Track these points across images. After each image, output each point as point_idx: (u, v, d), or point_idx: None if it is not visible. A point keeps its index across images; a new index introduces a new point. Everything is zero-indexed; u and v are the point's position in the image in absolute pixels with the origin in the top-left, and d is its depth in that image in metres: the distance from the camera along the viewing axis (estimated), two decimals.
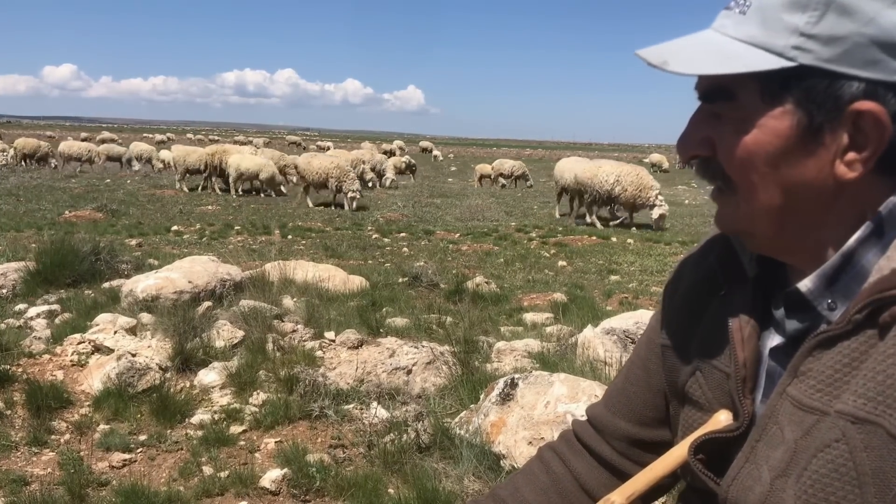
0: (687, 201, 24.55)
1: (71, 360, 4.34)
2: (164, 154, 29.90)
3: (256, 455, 3.41)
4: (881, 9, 0.68)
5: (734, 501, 0.77)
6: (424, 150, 63.78)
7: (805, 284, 0.75)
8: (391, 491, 2.97)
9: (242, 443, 3.52)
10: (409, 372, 4.16)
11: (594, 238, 13.60)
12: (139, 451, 3.43)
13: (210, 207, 17.40)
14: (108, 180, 23.49)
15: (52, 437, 3.52)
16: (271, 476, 3.08)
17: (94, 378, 4.02)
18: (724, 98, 0.74)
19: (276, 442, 3.49)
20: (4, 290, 5.86)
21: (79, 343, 4.50)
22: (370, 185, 23.74)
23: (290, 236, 12.78)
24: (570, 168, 18.40)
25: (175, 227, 13.24)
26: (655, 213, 15.80)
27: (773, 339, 0.82)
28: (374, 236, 13.13)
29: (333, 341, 4.58)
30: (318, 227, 14.25)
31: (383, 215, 16.97)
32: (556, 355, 4.29)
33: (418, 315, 5.69)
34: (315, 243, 12.02)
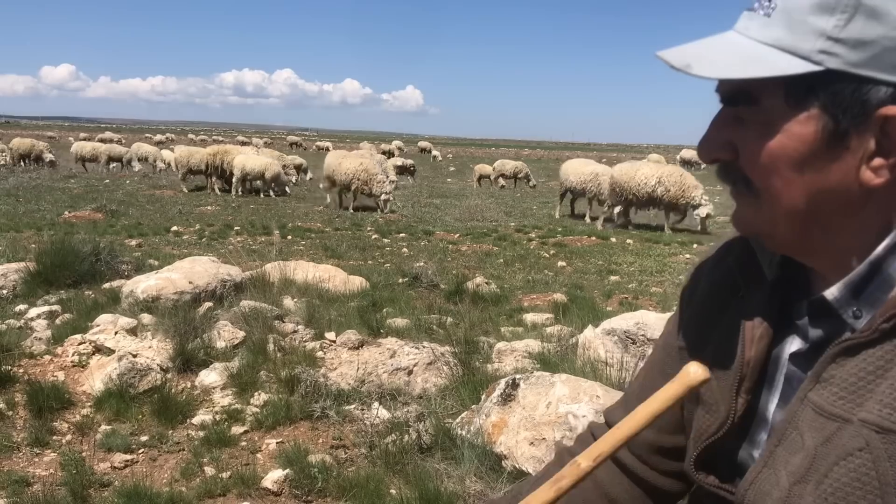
0: None
1: (72, 361, 4.34)
2: (166, 154, 29.87)
3: (258, 455, 3.42)
4: None
5: None
6: (423, 150, 63.78)
7: (832, 293, 0.74)
8: (393, 491, 2.97)
9: (244, 443, 3.53)
10: (410, 372, 4.16)
11: (593, 238, 13.60)
12: (141, 451, 3.43)
13: (209, 208, 17.39)
14: (108, 181, 23.48)
15: (54, 437, 3.53)
16: (273, 476, 3.09)
17: (96, 379, 4.03)
18: (747, 102, 0.73)
19: (277, 442, 3.50)
20: (5, 291, 5.86)
21: (79, 344, 4.51)
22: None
23: (289, 237, 12.78)
24: (577, 169, 18.12)
25: (174, 228, 13.23)
26: (702, 212, 15.45)
27: (794, 345, 0.81)
28: (373, 237, 13.14)
29: (334, 342, 4.59)
30: (317, 227, 14.25)
31: (383, 216, 16.97)
32: (557, 356, 4.29)
33: (419, 315, 5.69)
34: (315, 244, 12.02)
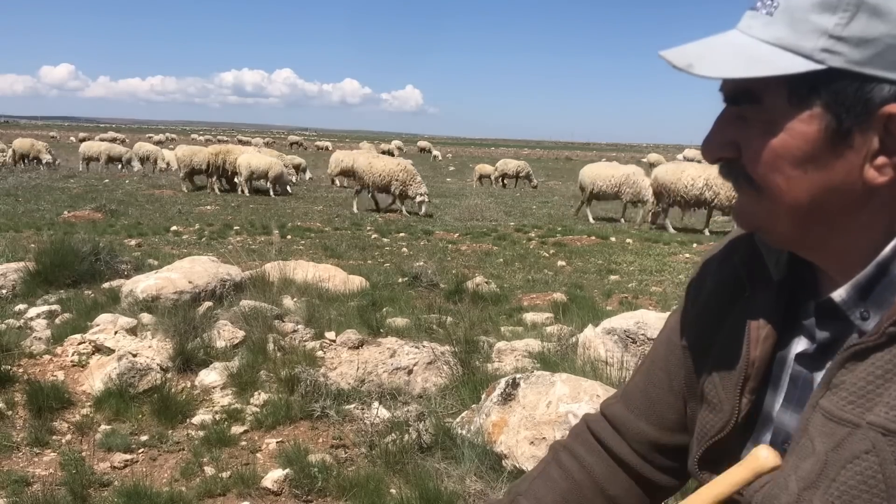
0: None
1: (71, 361, 4.34)
2: (166, 154, 29.83)
3: (258, 455, 3.41)
4: None
5: None
6: (423, 149, 63.77)
7: (839, 294, 0.74)
8: (393, 491, 2.97)
9: (244, 443, 3.52)
10: (410, 372, 4.16)
11: (593, 238, 13.60)
12: (141, 451, 3.43)
13: (209, 207, 17.38)
14: (107, 180, 23.47)
15: (54, 437, 3.52)
16: (273, 476, 3.08)
17: (95, 378, 4.02)
18: (750, 101, 0.73)
19: (277, 442, 3.49)
20: (4, 291, 5.85)
21: (79, 343, 4.50)
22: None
23: (289, 236, 12.77)
24: (603, 173, 17.55)
25: (174, 228, 13.22)
26: None
27: (800, 345, 0.81)
28: (373, 236, 13.13)
29: (334, 341, 4.59)
30: (317, 227, 14.25)
31: (382, 215, 16.96)
32: (557, 355, 4.29)
33: (418, 315, 5.69)
34: (314, 243, 12.02)
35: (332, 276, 7.08)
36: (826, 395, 0.73)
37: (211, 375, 4.14)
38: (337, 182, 24.45)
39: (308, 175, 27.57)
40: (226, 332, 4.63)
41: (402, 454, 3.19)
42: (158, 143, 45.71)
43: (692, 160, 48.73)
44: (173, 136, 73.88)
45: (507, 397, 3.26)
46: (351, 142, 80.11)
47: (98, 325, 4.76)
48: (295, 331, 4.75)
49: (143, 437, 3.54)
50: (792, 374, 0.80)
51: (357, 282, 7.23)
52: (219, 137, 59.20)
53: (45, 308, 5.28)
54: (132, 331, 4.69)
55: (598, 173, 17.88)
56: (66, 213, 14.57)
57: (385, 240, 12.80)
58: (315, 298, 5.91)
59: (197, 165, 21.15)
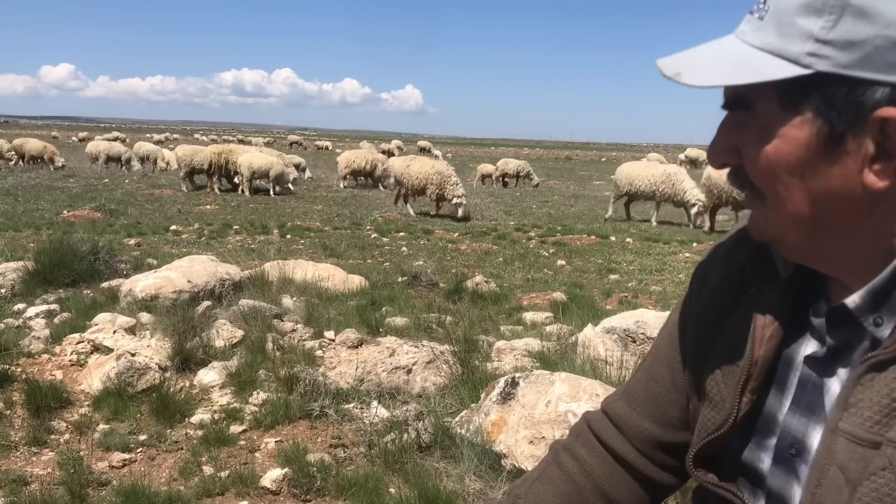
0: None
1: (70, 360, 4.33)
2: (167, 154, 29.82)
3: (257, 455, 3.41)
4: None
5: None
6: (423, 149, 63.78)
7: (853, 300, 0.72)
8: (392, 490, 2.96)
9: (242, 442, 3.52)
10: (410, 371, 4.15)
11: (593, 237, 13.59)
12: (139, 450, 3.42)
13: (208, 207, 17.37)
14: (107, 180, 23.46)
15: (52, 436, 3.51)
16: (272, 476, 3.08)
17: (94, 378, 4.02)
18: (744, 107, 0.72)
19: (276, 441, 3.49)
20: (3, 290, 5.84)
21: (78, 343, 4.49)
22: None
23: (288, 236, 12.77)
24: (643, 172, 16.82)
25: (173, 227, 13.22)
26: None
27: (809, 347, 0.79)
28: (372, 236, 13.12)
29: (333, 341, 4.58)
30: (316, 226, 14.24)
31: (382, 215, 16.95)
32: (557, 354, 4.28)
33: (418, 314, 5.68)
34: (314, 243, 12.01)
35: (332, 276, 7.07)
36: (845, 417, 0.70)
37: (210, 375, 4.13)
38: (342, 183, 24.40)
39: (308, 174, 27.55)
40: (225, 332, 4.62)
41: (401, 453, 3.18)
42: (158, 142, 45.71)
43: (694, 160, 48.62)
44: (176, 135, 73.84)
45: (507, 396, 3.25)
46: (351, 141, 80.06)
47: (97, 325, 4.75)
48: (294, 330, 4.74)
49: (142, 437, 3.53)
50: (801, 377, 0.79)
51: (356, 281, 7.22)
52: (224, 137, 59.31)
53: (44, 307, 5.27)
54: (131, 330, 4.69)
55: (636, 172, 17.07)
56: (65, 212, 14.57)
57: (384, 239, 12.80)
58: (314, 298, 5.90)
59: (198, 165, 21.13)
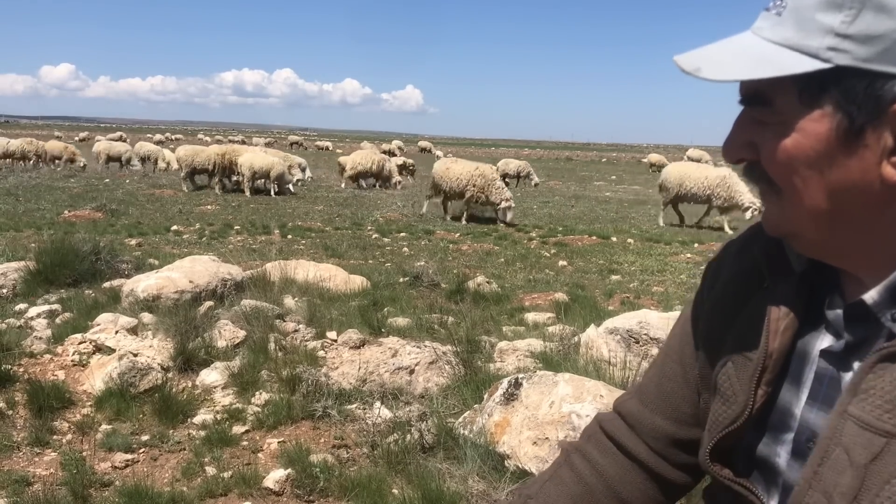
0: None
1: (72, 360, 4.32)
2: (167, 154, 29.84)
3: (259, 455, 3.40)
4: None
5: None
6: (423, 150, 63.76)
7: (871, 296, 0.73)
8: (395, 491, 2.96)
9: (245, 443, 3.51)
10: (412, 372, 4.14)
11: (594, 238, 13.59)
12: (141, 451, 3.41)
13: (209, 207, 17.37)
14: (108, 180, 23.47)
15: (54, 437, 3.51)
16: (275, 476, 3.07)
17: (96, 378, 4.01)
18: (762, 103, 0.73)
19: (279, 442, 3.48)
20: (5, 290, 5.84)
21: (80, 343, 4.49)
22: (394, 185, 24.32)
23: (289, 236, 12.76)
24: (694, 174, 16.24)
25: (175, 227, 13.21)
26: None
27: (824, 341, 0.80)
28: (373, 236, 13.12)
29: (335, 341, 4.57)
30: (317, 226, 14.23)
31: (383, 215, 16.94)
32: (559, 355, 4.28)
33: (420, 315, 5.68)
34: (315, 243, 12.01)
35: (334, 276, 7.06)
36: (854, 402, 0.71)
37: (212, 375, 4.13)
38: (348, 185, 24.37)
39: (308, 175, 27.54)
40: (227, 332, 4.62)
41: (404, 454, 3.17)
42: (159, 142, 45.72)
43: (697, 161, 48.44)
44: (179, 136, 73.82)
45: (510, 397, 3.24)
46: (351, 142, 80.00)
47: (99, 325, 4.74)
48: (296, 330, 4.74)
49: (144, 437, 3.53)
50: (817, 371, 0.79)
51: (358, 281, 7.22)
52: (229, 137, 59.42)
53: (46, 307, 5.27)
54: (133, 330, 4.68)
55: (687, 174, 16.49)
56: (66, 212, 14.57)
57: (386, 239, 12.79)
58: (316, 298, 5.90)
59: (199, 165, 21.13)
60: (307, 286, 6.31)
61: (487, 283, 7.73)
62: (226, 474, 3.14)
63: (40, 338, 4.63)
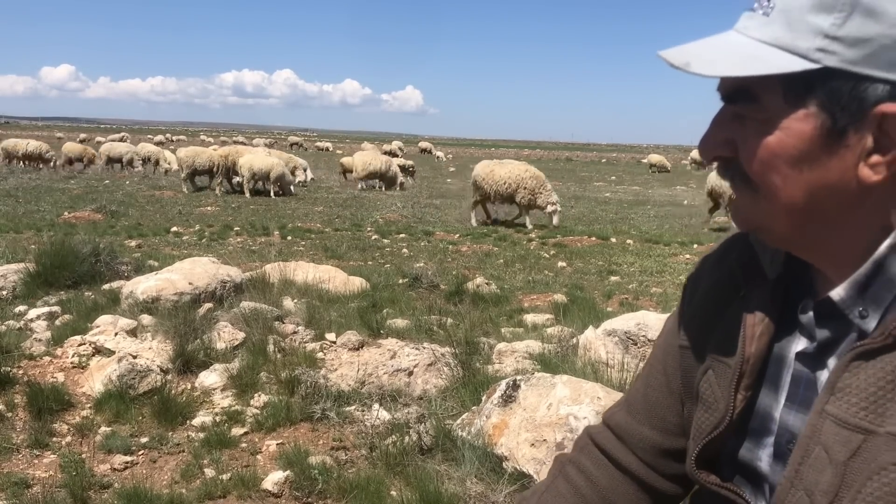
0: (686, 201, 24.57)
1: (71, 362, 4.33)
2: (169, 156, 29.90)
3: (258, 457, 3.41)
4: None
5: None
6: (424, 150, 63.76)
7: (838, 293, 0.75)
8: (393, 493, 2.97)
9: (244, 445, 3.52)
10: (411, 373, 4.15)
11: (593, 239, 13.60)
12: (141, 453, 3.42)
13: (209, 208, 17.38)
14: (107, 181, 23.48)
15: (54, 439, 3.52)
16: (273, 478, 3.08)
17: (95, 380, 4.02)
18: (746, 100, 0.73)
19: (277, 444, 3.49)
20: (4, 292, 5.85)
21: (79, 345, 4.50)
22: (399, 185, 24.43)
23: (289, 237, 12.77)
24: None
25: (174, 229, 13.22)
26: None
27: (799, 344, 0.81)
28: (373, 237, 13.13)
29: (334, 343, 4.58)
30: (317, 228, 14.24)
31: (383, 216, 16.95)
32: (558, 357, 4.29)
33: (419, 316, 5.68)
34: (315, 244, 12.02)
35: (333, 278, 7.07)
36: (832, 401, 0.73)
37: (211, 377, 4.14)
38: (360, 185, 24.35)
39: (310, 176, 27.54)
40: (226, 334, 4.62)
41: (402, 456, 3.18)
42: (159, 143, 45.74)
43: (702, 162, 48.43)
44: (182, 137, 73.82)
45: (508, 399, 3.25)
46: (351, 143, 79.96)
47: (98, 327, 4.75)
48: (295, 332, 4.75)
49: (144, 439, 3.53)
50: (794, 373, 0.81)
51: (357, 283, 7.23)
52: (234, 139, 59.48)
53: (46, 309, 5.28)
54: (132, 332, 4.69)
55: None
56: (66, 214, 14.58)
57: (385, 241, 12.80)
58: (315, 300, 5.91)
59: (200, 167, 21.14)
60: (306, 288, 6.32)
61: (486, 284, 7.74)
62: (225, 476, 3.15)
63: (40, 340, 4.64)
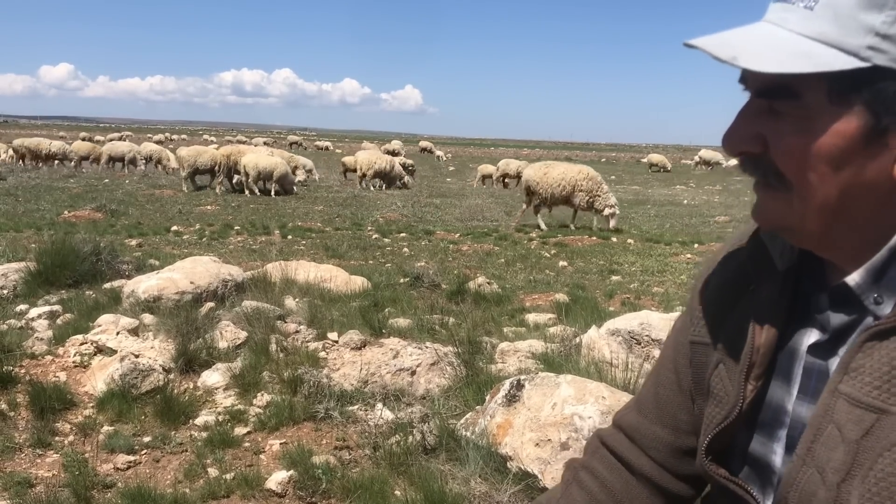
0: (686, 201, 24.57)
1: (73, 362, 4.32)
2: (172, 154, 29.99)
3: (261, 457, 3.40)
4: None
5: None
6: (424, 150, 63.74)
7: (853, 279, 0.74)
8: (397, 493, 2.96)
9: (247, 444, 3.51)
10: (413, 373, 4.14)
11: (594, 238, 13.59)
12: (144, 452, 3.41)
13: (209, 207, 17.37)
14: (107, 180, 23.46)
15: (56, 438, 3.51)
16: (277, 478, 3.07)
17: (98, 379, 4.01)
18: (787, 96, 0.72)
19: (280, 443, 3.48)
20: (5, 291, 5.84)
21: (81, 344, 4.49)
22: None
23: (290, 236, 12.76)
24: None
25: (175, 228, 13.21)
26: None
27: (811, 336, 0.81)
28: (374, 236, 13.12)
29: (336, 342, 4.57)
30: (317, 227, 14.23)
31: (383, 215, 16.94)
32: (561, 356, 4.28)
33: (421, 316, 5.68)
34: (315, 243, 12.01)
35: (334, 277, 7.07)
36: (845, 380, 0.73)
37: (213, 376, 4.13)
38: (365, 184, 24.32)
39: (316, 176, 27.50)
40: (228, 333, 4.61)
41: (406, 456, 3.18)
42: (158, 142, 45.77)
43: (709, 161, 47.74)
44: (184, 136, 73.80)
45: (512, 399, 3.24)
46: (350, 142, 79.92)
47: (100, 326, 4.74)
48: (297, 331, 4.74)
49: (146, 439, 3.53)
50: (805, 365, 0.80)
51: (359, 282, 7.22)
52: (238, 138, 59.56)
53: (47, 308, 5.27)
54: (134, 331, 4.68)
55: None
56: (66, 212, 14.57)
57: (386, 240, 12.79)
58: (317, 299, 5.90)
59: (202, 166, 21.14)
60: (308, 287, 6.31)
61: (488, 283, 7.73)
62: (228, 476, 3.14)
63: (41, 339, 4.63)
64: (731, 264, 0.92)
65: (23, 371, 4.11)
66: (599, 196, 14.75)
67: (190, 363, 4.25)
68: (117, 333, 4.61)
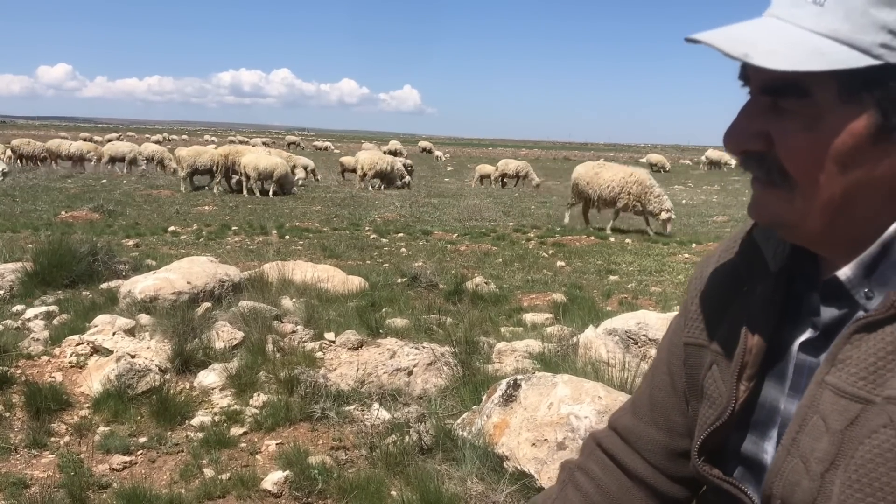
0: (684, 201, 24.58)
1: (70, 362, 4.31)
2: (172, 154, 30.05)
3: (257, 457, 3.39)
4: None
5: (780, 497, 0.75)
6: (424, 150, 63.76)
7: (844, 273, 0.74)
8: (394, 493, 2.96)
9: (243, 445, 3.50)
10: (410, 373, 4.14)
11: (592, 238, 13.59)
12: (139, 453, 3.41)
13: (207, 208, 17.36)
14: (104, 180, 23.44)
15: (52, 439, 3.50)
16: (273, 478, 3.06)
17: (94, 380, 4.00)
18: (796, 94, 0.70)
19: (277, 444, 3.47)
20: (2, 291, 5.82)
21: (77, 344, 4.48)
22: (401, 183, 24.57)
23: (287, 236, 12.75)
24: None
25: (172, 228, 13.20)
26: None
27: (803, 336, 0.80)
28: (371, 236, 13.11)
29: (333, 342, 4.56)
30: (315, 227, 14.23)
31: (381, 215, 16.94)
32: (558, 356, 4.27)
33: (418, 315, 5.67)
34: (313, 244, 12.00)
35: (331, 277, 7.06)
36: (832, 372, 0.72)
37: (210, 377, 4.12)
38: (366, 184, 24.30)
39: (319, 176, 27.48)
40: (224, 333, 4.61)
41: (402, 456, 3.17)
42: (157, 143, 45.75)
43: (716, 162, 47.25)
44: (185, 136, 73.76)
45: (509, 399, 3.24)
46: (349, 142, 79.91)
47: (96, 326, 4.73)
48: (294, 332, 4.73)
49: (142, 439, 3.52)
50: (796, 363, 0.80)
51: (356, 282, 7.22)
52: (240, 138, 59.68)
53: (43, 309, 5.25)
54: (130, 332, 4.67)
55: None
56: (63, 213, 14.55)
57: (384, 240, 12.79)
58: (314, 299, 5.89)
59: (201, 166, 21.13)
60: (305, 287, 6.31)
61: (485, 283, 7.73)
62: (224, 476, 3.14)
63: (37, 339, 4.62)
64: (724, 265, 0.92)
65: (19, 371, 4.09)
66: (651, 200, 14.35)
67: (186, 363, 4.24)
68: (114, 334, 4.60)
